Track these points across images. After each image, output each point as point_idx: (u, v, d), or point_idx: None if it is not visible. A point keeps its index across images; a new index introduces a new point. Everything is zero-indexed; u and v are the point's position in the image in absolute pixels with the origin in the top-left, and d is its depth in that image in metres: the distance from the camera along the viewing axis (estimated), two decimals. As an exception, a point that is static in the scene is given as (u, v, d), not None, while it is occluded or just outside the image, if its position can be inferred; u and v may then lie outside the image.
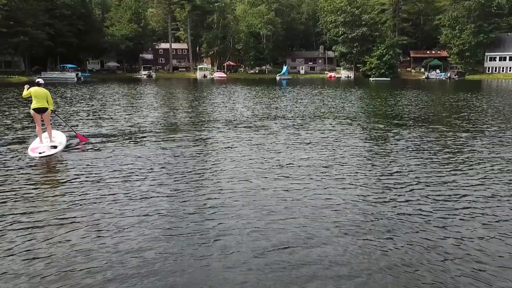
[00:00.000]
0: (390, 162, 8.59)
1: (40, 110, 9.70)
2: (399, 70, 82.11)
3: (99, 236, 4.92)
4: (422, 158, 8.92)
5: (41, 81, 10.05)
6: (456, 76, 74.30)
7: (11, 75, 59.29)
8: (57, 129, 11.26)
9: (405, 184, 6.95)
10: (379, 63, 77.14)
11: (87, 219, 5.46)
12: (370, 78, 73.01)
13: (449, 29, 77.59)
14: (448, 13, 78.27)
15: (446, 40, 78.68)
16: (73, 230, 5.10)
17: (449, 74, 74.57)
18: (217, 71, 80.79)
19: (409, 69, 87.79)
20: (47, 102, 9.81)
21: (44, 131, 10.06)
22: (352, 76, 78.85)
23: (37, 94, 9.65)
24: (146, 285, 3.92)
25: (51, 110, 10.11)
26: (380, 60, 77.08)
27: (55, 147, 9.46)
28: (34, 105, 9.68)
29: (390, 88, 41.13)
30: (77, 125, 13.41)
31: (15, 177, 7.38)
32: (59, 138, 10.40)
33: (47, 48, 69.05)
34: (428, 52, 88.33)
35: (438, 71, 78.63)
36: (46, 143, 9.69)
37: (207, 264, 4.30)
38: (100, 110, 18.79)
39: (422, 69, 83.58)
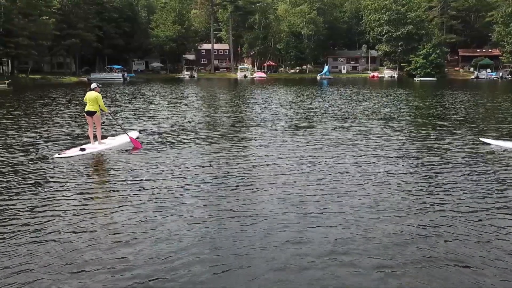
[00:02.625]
0: (428, 165, 8.35)
1: (89, 113, 10.18)
2: (446, 69, 78.70)
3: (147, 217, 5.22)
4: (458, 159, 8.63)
5: (92, 85, 10.42)
6: (509, 76, 70.23)
7: (63, 75, 62.58)
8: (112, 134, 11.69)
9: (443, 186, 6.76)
10: (424, 62, 74.23)
11: (127, 205, 5.73)
12: (415, 78, 70.45)
13: (502, 26, 73.25)
14: (501, 9, 73.97)
15: (499, 38, 74.37)
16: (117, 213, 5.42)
17: (501, 74, 70.54)
18: (257, 71, 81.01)
19: (457, 68, 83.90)
20: (97, 105, 10.27)
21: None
22: (396, 76, 76.47)
23: (88, 98, 10.17)
24: (194, 256, 4.41)
25: (107, 112, 10.62)
26: (426, 59, 74.23)
27: (83, 149, 9.61)
28: (86, 108, 10.22)
29: (436, 89, 39.61)
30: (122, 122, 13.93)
31: (34, 175, 7.73)
32: (116, 141, 10.67)
33: (95, 50, 72.21)
34: (478, 50, 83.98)
35: (488, 70, 74.60)
36: (94, 144, 10.17)
37: (248, 242, 4.79)
38: (144, 109, 19.44)
39: (471, 68, 79.61)
